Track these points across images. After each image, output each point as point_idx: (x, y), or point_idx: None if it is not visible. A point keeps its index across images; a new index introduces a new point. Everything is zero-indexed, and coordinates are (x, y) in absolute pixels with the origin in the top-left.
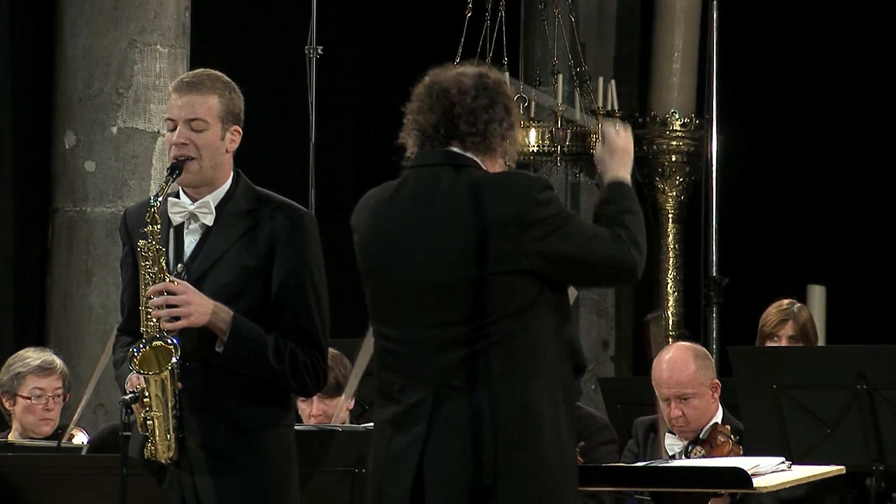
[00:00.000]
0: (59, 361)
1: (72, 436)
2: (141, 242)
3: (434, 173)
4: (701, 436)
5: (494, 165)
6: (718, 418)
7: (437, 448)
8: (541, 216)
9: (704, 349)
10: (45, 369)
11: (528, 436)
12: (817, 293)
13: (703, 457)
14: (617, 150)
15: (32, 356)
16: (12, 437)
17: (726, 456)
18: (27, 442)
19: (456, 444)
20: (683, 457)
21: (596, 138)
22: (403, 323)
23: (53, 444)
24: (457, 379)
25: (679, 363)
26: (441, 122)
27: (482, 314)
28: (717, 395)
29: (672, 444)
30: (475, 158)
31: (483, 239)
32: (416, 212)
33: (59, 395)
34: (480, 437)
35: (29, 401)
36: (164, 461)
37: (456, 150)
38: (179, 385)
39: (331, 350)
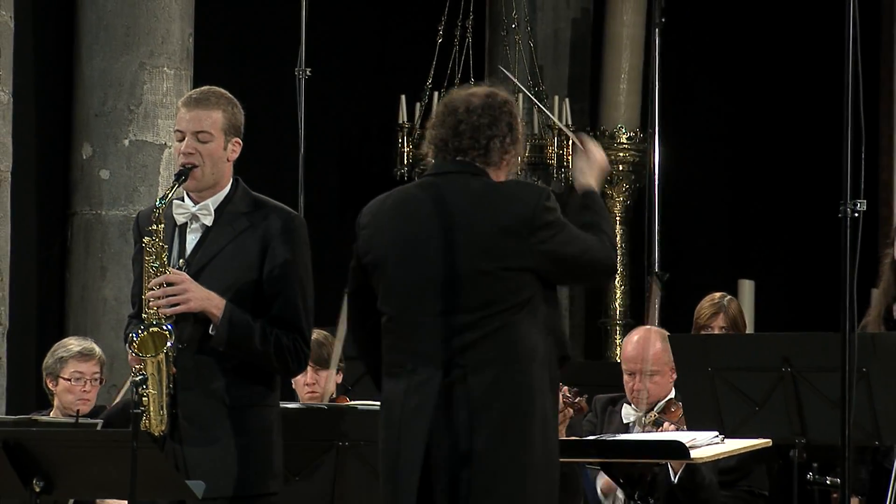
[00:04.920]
0: (97, 349)
1: None
2: (146, 239)
3: (452, 180)
4: (656, 409)
5: (499, 176)
6: (672, 395)
7: (444, 420)
8: (547, 220)
9: (665, 332)
10: (84, 355)
11: (524, 412)
12: (747, 287)
13: (657, 422)
14: (597, 162)
15: (74, 343)
16: (53, 414)
17: (678, 421)
18: (47, 418)
19: (461, 417)
20: (638, 426)
21: (552, 150)
22: (417, 309)
23: (72, 419)
24: (463, 360)
25: (647, 343)
26: (450, 137)
27: (489, 304)
28: (675, 376)
29: (628, 413)
30: (484, 169)
31: (494, 237)
32: (435, 212)
33: (96, 379)
34: (482, 412)
35: (69, 382)
36: (156, 434)
37: (466, 160)
38: (174, 370)
39: (323, 332)
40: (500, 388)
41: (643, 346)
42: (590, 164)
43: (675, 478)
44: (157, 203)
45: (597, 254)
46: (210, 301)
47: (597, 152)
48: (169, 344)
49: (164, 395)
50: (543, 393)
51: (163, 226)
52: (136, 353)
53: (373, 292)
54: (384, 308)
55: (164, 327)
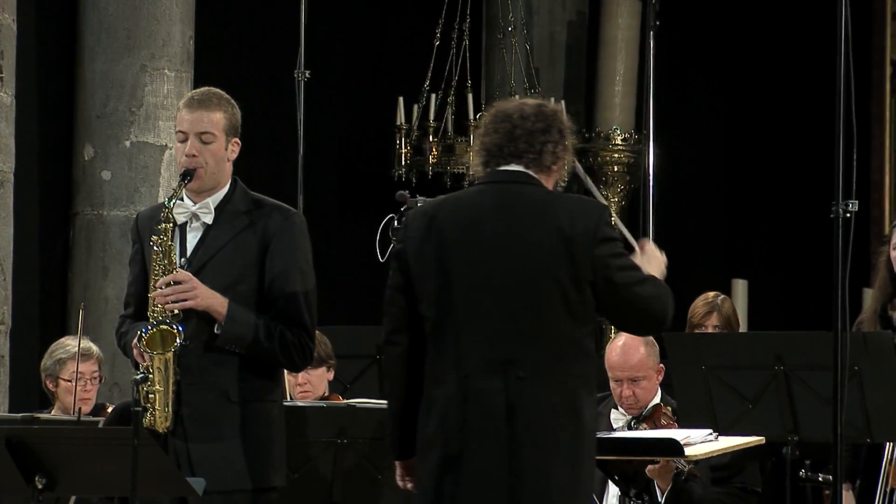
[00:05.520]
0: (95, 348)
1: (107, 413)
2: (154, 238)
3: (509, 188)
4: (644, 413)
5: (549, 182)
6: (658, 398)
7: (509, 428)
8: (609, 235)
9: (651, 338)
10: (83, 355)
11: (574, 430)
12: (741, 286)
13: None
14: (658, 262)
15: (72, 343)
16: (54, 414)
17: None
18: (49, 416)
19: (519, 427)
20: (627, 429)
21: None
22: (473, 314)
23: (74, 417)
24: (522, 370)
25: (631, 349)
26: (504, 142)
27: (547, 313)
28: (660, 377)
29: (617, 418)
30: (536, 177)
31: (557, 246)
32: (496, 219)
33: (95, 377)
34: (541, 424)
35: (69, 383)
36: (161, 430)
37: (520, 168)
38: (177, 368)
39: (315, 331)
40: (558, 402)
41: (627, 353)
42: (647, 260)
43: (661, 498)
44: (165, 203)
45: (652, 292)
46: (215, 300)
47: (657, 255)
48: (178, 342)
49: (171, 393)
50: (590, 409)
51: (171, 225)
52: (144, 350)
53: (413, 294)
54: (432, 313)
55: (174, 326)
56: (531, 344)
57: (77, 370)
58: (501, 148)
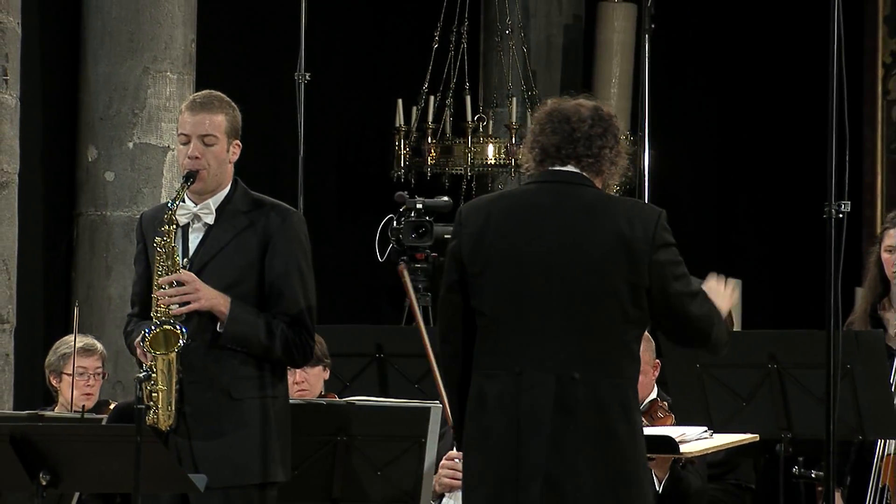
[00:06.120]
0: (98, 344)
1: (109, 409)
2: (157, 240)
3: (565, 188)
4: (640, 409)
5: (599, 184)
6: (654, 394)
7: (560, 426)
8: (667, 240)
9: (647, 333)
10: (87, 350)
11: (629, 429)
12: (734, 286)
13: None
14: (717, 297)
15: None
16: (58, 410)
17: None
18: (54, 413)
19: (573, 424)
20: None
21: None
22: (530, 313)
23: (78, 415)
24: (577, 371)
25: None
26: (563, 144)
27: (605, 315)
28: (657, 373)
29: None
30: (591, 178)
31: (615, 248)
32: (553, 218)
33: (98, 374)
34: (591, 423)
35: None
36: (164, 429)
37: (576, 169)
38: (180, 368)
39: None
40: (611, 403)
41: None
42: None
43: (659, 487)
44: (168, 204)
45: (700, 309)
46: (217, 300)
47: (721, 292)
48: (181, 343)
49: (174, 392)
50: (637, 410)
51: (174, 226)
52: (147, 350)
53: (467, 290)
54: (487, 309)
55: (178, 327)
56: (586, 345)
57: (74, 366)
58: (559, 149)
